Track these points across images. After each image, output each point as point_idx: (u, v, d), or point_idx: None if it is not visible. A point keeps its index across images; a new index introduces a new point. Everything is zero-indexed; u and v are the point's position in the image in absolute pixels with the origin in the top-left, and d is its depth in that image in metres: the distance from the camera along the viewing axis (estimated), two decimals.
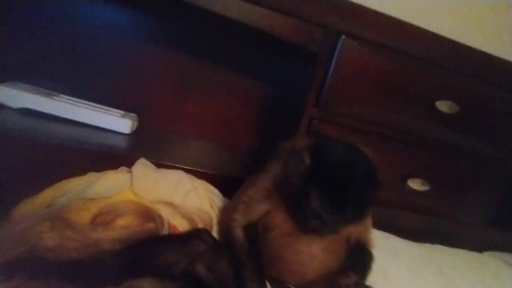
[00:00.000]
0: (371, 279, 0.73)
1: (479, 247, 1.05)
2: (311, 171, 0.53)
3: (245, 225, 0.59)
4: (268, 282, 0.58)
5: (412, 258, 0.85)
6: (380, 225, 0.92)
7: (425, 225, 1.01)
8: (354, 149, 0.56)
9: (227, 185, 0.81)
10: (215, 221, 0.68)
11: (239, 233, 0.59)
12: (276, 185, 0.59)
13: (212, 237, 0.55)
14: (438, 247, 0.96)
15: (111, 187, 0.61)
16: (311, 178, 0.53)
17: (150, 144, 0.94)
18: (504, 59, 0.92)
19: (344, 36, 0.83)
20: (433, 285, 0.78)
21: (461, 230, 1.05)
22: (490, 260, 0.98)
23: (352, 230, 0.59)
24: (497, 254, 1.04)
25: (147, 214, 0.54)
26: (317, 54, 0.83)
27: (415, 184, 0.95)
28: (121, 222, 0.51)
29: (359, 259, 0.59)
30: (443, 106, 0.89)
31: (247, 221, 0.60)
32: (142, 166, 0.70)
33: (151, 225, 0.53)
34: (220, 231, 0.65)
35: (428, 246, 0.94)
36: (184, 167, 0.80)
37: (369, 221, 0.64)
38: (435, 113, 0.90)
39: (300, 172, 0.54)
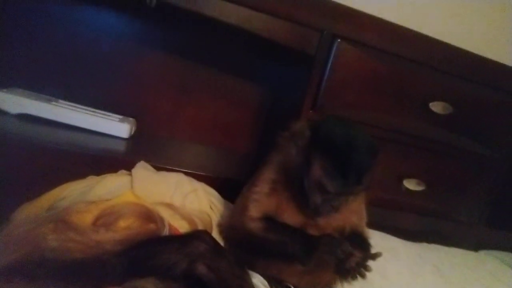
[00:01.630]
0: (370, 278, 0.74)
1: (475, 246, 1.06)
2: (312, 143, 0.55)
3: (261, 218, 0.59)
4: (267, 281, 0.59)
5: (410, 258, 0.86)
6: (377, 226, 0.93)
7: (421, 225, 1.02)
8: (350, 122, 0.59)
9: (226, 187, 0.82)
10: (215, 222, 0.68)
11: (258, 224, 0.59)
12: (280, 173, 0.60)
13: (212, 238, 0.56)
14: (435, 247, 0.97)
15: (112, 189, 0.61)
16: (312, 149, 0.54)
17: (148, 148, 0.95)
18: (495, 61, 0.94)
19: (339, 40, 0.84)
20: (431, 284, 0.79)
21: (457, 229, 1.06)
22: (486, 259, 0.99)
23: (345, 219, 0.60)
24: (492, 252, 1.05)
25: (148, 216, 0.55)
26: (313, 58, 0.85)
27: (410, 185, 0.96)
28: (122, 223, 0.52)
29: (357, 244, 0.60)
30: (436, 107, 0.91)
31: (262, 215, 0.60)
32: (142, 169, 0.70)
33: (152, 226, 0.54)
34: (233, 233, 0.65)
35: (425, 246, 0.96)
36: (183, 170, 0.81)
37: (362, 210, 0.64)
38: (429, 114, 0.91)
39: (300, 147, 0.56)
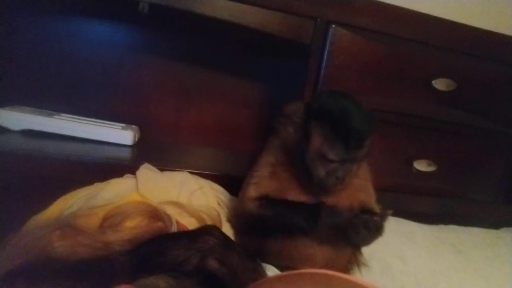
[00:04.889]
0: (388, 261, 0.72)
1: (495, 224, 1.03)
2: (308, 115, 0.55)
3: (259, 197, 0.60)
4: (280, 271, 0.57)
5: (428, 240, 0.84)
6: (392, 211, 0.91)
7: (437, 207, 0.99)
8: (342, 92, 0.58)
9: (232, 184, 0.80)
10: (223, 218, 0.67)
11: (254, 203, 0.59)
12: (280, 155, 0.59)
13: (222, 232, 0.55)
14: (453, 227, 0.95)
15: (117, 193, 0.61)
16: (309, 120, 0.54)
17: (153, 153, 0.94)
18: (496, 32, 0.92)
19: (334, 26, 0.84)
20: (451, 264, 0.77)
21: (474, 209, 1.03)
22: (507, 236, 0.96)
23: (353, 197, 0.59)
24: None
25: (155, 214, 0.54)
26: (309, 47, 0.84)
27: (421, 166, 0.94)
28: (129, 223, 0.51)
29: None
30: (440, 84, 0.89)
31: (259, 194, 0.60)
32: (146, 170, 0.70)
33: (159, 224, 0.53)
34: (237, 220, 0.65)
35: (442, 227, 0.93)
36: (188, 170, 0.80)
37: (369, 187, 0.63)
38: (433, 92, 0.90)
39: (298, 123, 0.55)
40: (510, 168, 1.05)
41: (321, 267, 0.56)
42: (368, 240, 0.53)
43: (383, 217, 0.53)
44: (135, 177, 0.68)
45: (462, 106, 0.94)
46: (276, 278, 0.43)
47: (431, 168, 0.95)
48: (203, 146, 1.11)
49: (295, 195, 0.58)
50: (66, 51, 0.97)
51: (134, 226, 0.51)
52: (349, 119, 0.52)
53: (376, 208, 0.62)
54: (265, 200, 0.58)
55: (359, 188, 0.60)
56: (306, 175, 0.56)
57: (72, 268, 0.41)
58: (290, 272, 0.39)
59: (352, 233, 0.51)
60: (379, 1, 0.85)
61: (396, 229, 0.83)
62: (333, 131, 0.52)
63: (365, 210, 0.59)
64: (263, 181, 0.60)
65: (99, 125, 0.92)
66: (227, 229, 0.66)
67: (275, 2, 0.80)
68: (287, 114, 0.57)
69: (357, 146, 0.53)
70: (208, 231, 0.54)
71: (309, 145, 0.54)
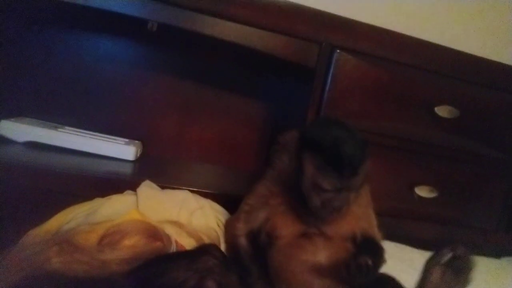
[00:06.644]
0: None
1: (497, 253, 1.02)
2: (301, 145, 0.54)
3: (248, 233, 0.60)
4: None
5: None
6: (392, 237, 0.90)
7: (438, 234, 0.98)
8: (336, 119, 0.58)
9: (232, 204, 0.80)
10: (222, 239, 0.67)
11: (242, 240, 0.60)
12: (275, 185, 0.59)
13: (221, 252, 0.55)
14: None
15: (117, 209, 0.61)
16: (302, 150, 0.53)
17: (155, 169, 0.94)
18: (498, 62, 0.94)
19: (338, 51, 0.85)
20: None
21: (475, 236, 1.02)
22: (509, 265, 0.95)
23: (354, 225, 0.58)
24: None
25: (154, 233, 0.54)
26: (314, 70, 0.85)
27: (423, 192, 0.94)
28: (128, 242, 0.51)
29: (369, 250, 0.57)
30: (443, 111, 0.90)
31: (250, 229, 0.60)
32: (147, 188, 0.70)
33: (158, 244, 0.53)
34: (225, 243, 0.65)
35: None
36: (189, 188, 0.80)
37: (371, 215, 0.62)
38: (436, 119, 0.90)
39: (292, 152, 0.55)
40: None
41: None
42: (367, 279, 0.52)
43: (378, 262, 0.53)
44: (136, 194, 0.68)
45: (465, 133, 0.94)
46: None
47: (432, 195, 0.94)
48: (205, 162, 1.11)
49: (289, 225, 0.57)
50: (72, 65, 0.99)
51: (132, 245, 0.51)
52: (341, 147, 0.51)
53: (378, 235, 0.61)
54: (252, 246, 0.59)
55: (360, 216, 0.59)
56: (303, 205, 0.55)
57: (73, 285, 0.41)
58: None
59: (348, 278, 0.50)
60: (383, 28, 0.87)
61: (397, 255, 0.82)
62: (325, 161, 0.51)
63: (366, 240, 0.58)
64: (254, 212, 0.60)
65: (102, 140, 0.92)
66: (226, 251, 0.65)
67: (281, 26, 0.82)
68: (282, 143, 0.57)
69: (351, 174, 0.52)
70: (207, 250, 0.54)
71: (303, 174, 0.53)
